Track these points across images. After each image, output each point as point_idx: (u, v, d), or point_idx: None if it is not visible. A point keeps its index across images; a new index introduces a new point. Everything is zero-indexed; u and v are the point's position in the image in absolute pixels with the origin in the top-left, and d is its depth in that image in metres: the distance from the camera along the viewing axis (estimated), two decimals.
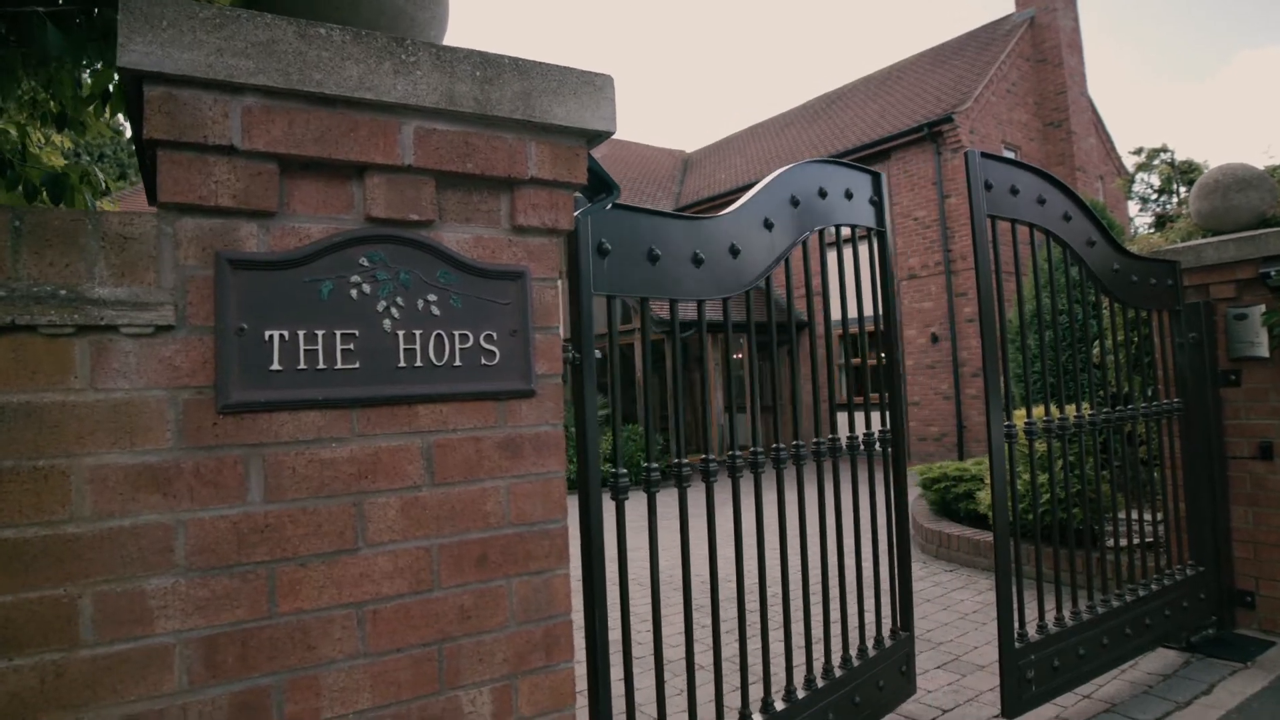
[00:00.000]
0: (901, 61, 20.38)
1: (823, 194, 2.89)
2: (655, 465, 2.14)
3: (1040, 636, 3.29)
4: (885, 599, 3.24)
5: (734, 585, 2.43)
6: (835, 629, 3.00)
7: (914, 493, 8.70)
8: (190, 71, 1.33)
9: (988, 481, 6.14)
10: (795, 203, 2.76)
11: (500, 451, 1.64)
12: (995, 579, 3.20)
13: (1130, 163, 12.76)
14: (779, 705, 2.54)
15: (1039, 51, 16.91)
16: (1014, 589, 3.21)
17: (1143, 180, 12.04)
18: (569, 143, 1.72)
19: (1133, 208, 14.39)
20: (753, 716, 2.43)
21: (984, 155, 3.31)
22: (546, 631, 1.67)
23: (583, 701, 2.14)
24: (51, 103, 3.54)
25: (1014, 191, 3.39)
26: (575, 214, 1.86)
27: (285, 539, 1.43)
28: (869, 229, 3.17)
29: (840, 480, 2.84)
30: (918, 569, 6.30)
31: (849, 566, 2.91)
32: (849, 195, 3.04)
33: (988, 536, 6.07)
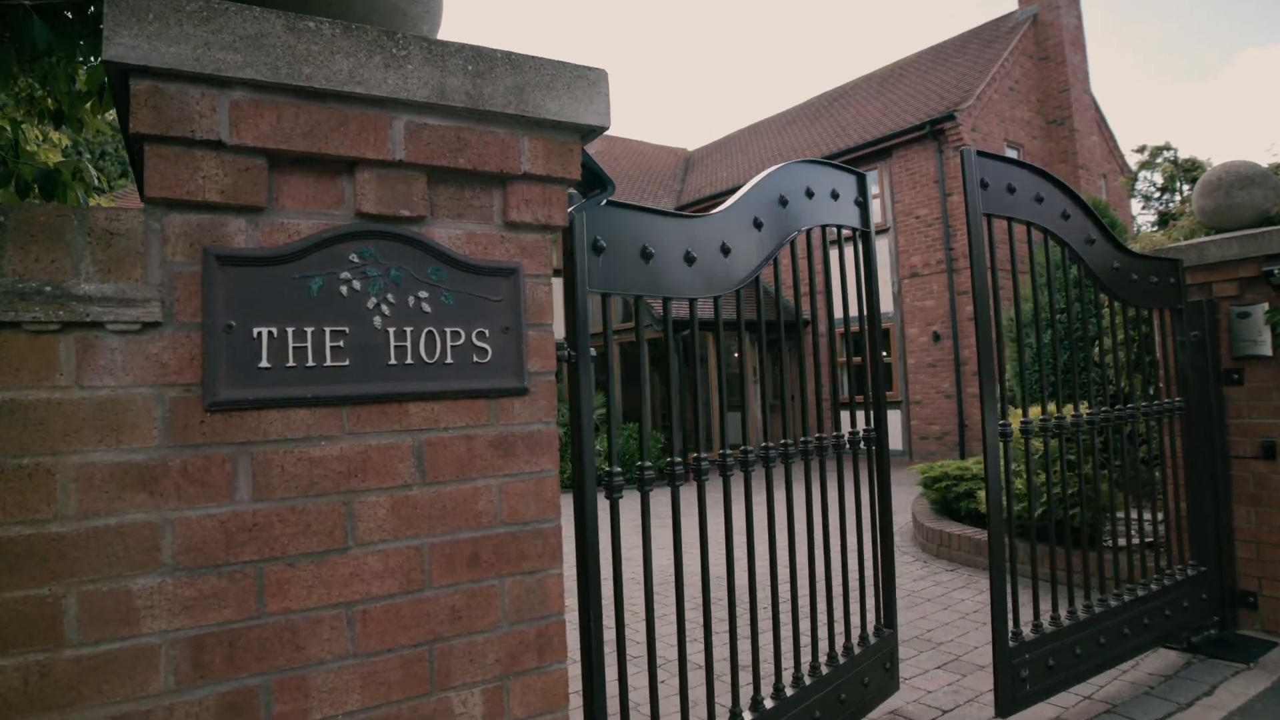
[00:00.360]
0: (903, 59, 20.32)
1: (810, 194, 2.91)
2: (649, 464, 2.12)
3: (1035, 636, 3.29)
4: (871, 597, 3.25)
5: (725, 584, 2.43)
6: (823, 628, 3.02)
7: (915, 492, 8.67)
8: (177, 65, 1.31)
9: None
10: (784, 202, 2.77)
11: (492, 450, 1.62)
12: (990, 577, 3.22)
13: (1133, 161, 12.72)
14: (768, 704, 2.56)
15: (1042, 49, 16.87)
16: (1008, 588, 3.21)
17: (1146, 178, 12.00)
18: (562, 138, 1.70)
19: (1136, 206, 14.37)
20: (743, 714, 2.45)
21: (980, 154, 3.30)
22: (539, 632, 1.65)
23: (577, 702, 2.13)
24: (49, 99, 3.53)
25: (1011, 190, 3.38)
26: (569, 210, 1.85)
27: (274, 538, 1.42)
28: (854, 229, 3.19)
29: (827, 479, 2.86)
30: (918, 568, 6.28)
31: (835, 566, 2.98)
32: (835, 195, 3.06)
33: (983, 535, 6.05)
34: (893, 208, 15.59)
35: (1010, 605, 3.22)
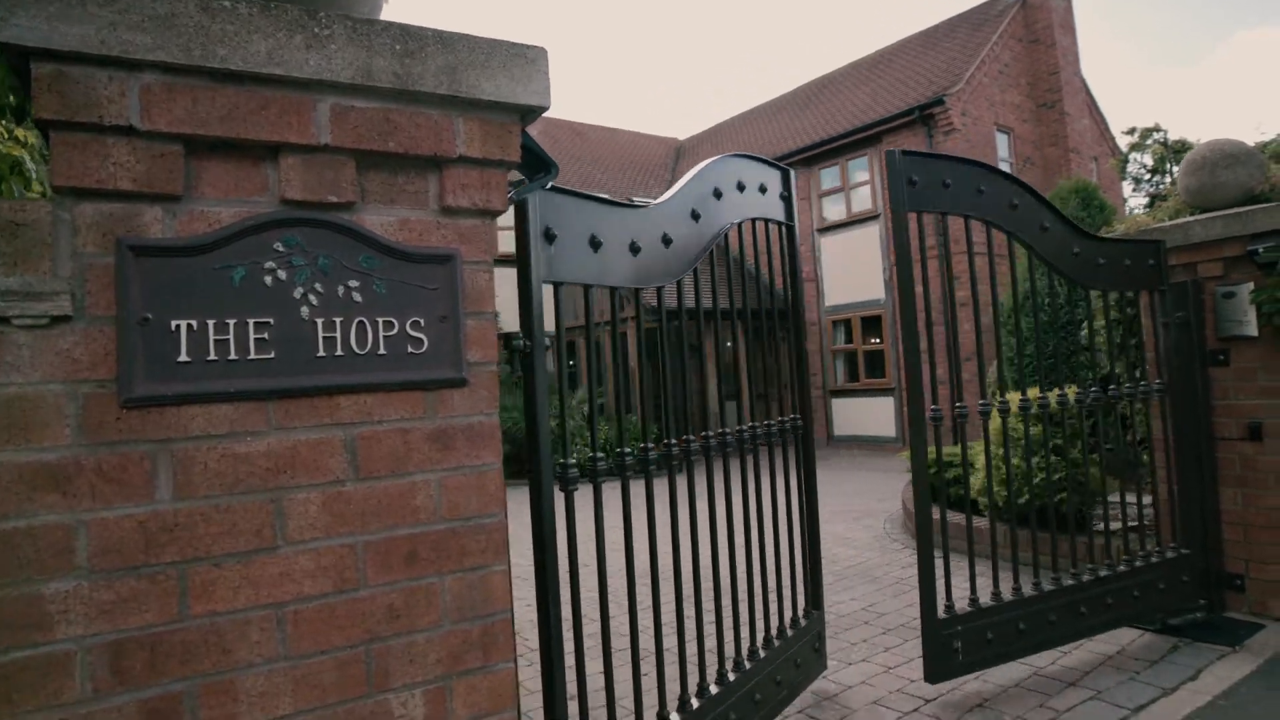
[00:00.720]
0: (893, 45, 20.20)
1: (741, 187, 3.00)
2: (601, 455, 2.08)
3: (971, 610, 3.40)
4: (801, 582, 3.45)
5: (680, 577, 2.51)
6: (760, 616, 3.17)
7: (906, 478, 8.63)
8: (81, 48, 1.26)
9: (976, 465, 6.08)
10: (718, 195, 2.83)
11: (430, 443, 1.57)
12: (918, 554, 3.36)
13: (1124, 143, 12.65)
14: (713, 689, 2.65)
15: (1031, 32, 16.74)
16: (936, 560, 3.35)
17: (1136, 160, 11.93)
18: (500, 119, 1.64)
19: (1127, 188, 14.31)
20: (691, 701, 2.51)
21: (905, 153, 3.44)
22: (484, 630, 1.61)
23: (537, 702, 2.09)
24: (11, 95, 3.45)
25: (945, 185, 3.47)
26: (514, 196, 1.80)
27: (197, 538, 1.36)
28: (780, 223, 3.33)
29: (760, 469, 3.00)
30: (907, 555, 6.24)
31: (770, 555, 3.21)
32: (763, 190, 3.17)
33: (977, 522, 6.02)
34: (883, 194, 15.51)
35: (944, 580, 3.40)
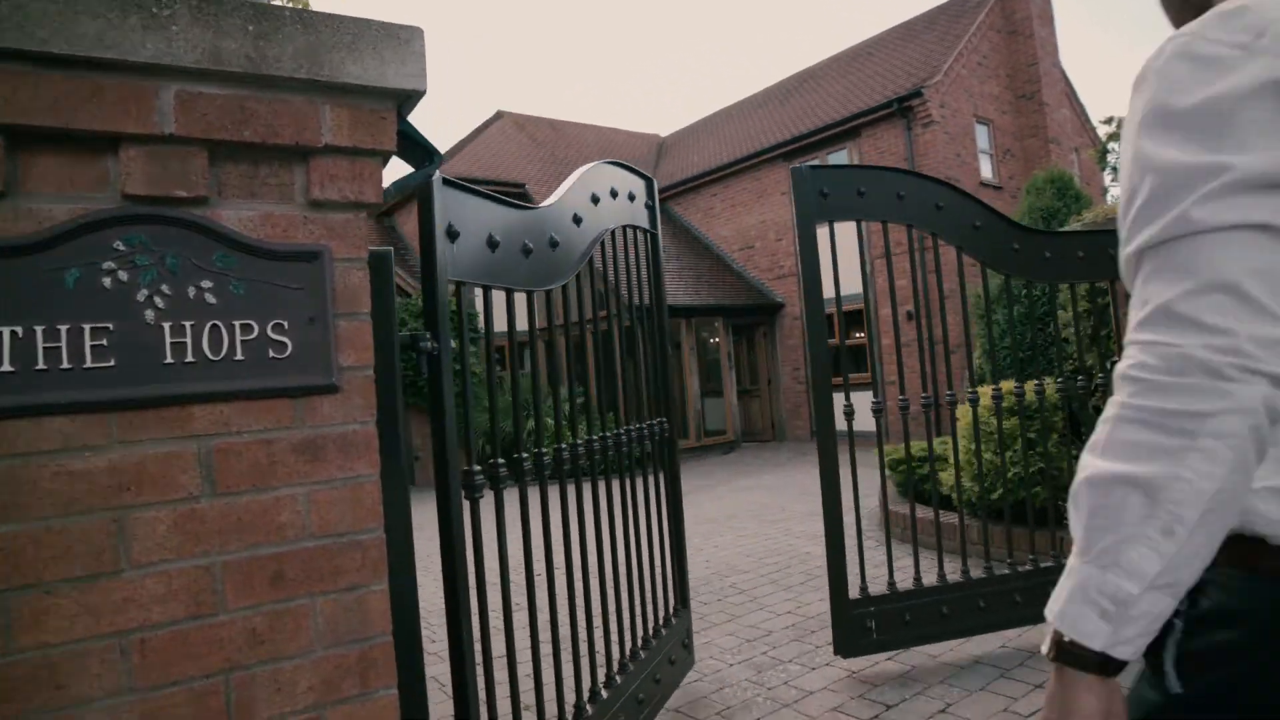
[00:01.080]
0: (873, 37, 20.12)
1: (614, 194, 3.04)
2: (501, 461, 1.98)
3: (887, 593, 3.63)
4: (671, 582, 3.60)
5: (574, 588, 2.74)
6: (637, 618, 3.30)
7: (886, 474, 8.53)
8: None
9: (953, 460, 6.01)
10: (595, 200, 2.85)
11: (297, 455, 1.46)
12: (825, 538, 3.56)
13: (1102, 133, 12.61)
14: (604, 694, 2.70)
15: (1010, 23, 16.68)
16: (845, 541, 3.58)
17: (1114, 150, 11.89)
18: (372, 105, 1.53)
19: (1107, 178, 14.29)
20: (586, 708, 2.56)
21: (814, 168, 3.53)
22: (362, 655, 1.49)
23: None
24: None
25: (860, 194, 3.57)
26: (395, 186, 1.69)
27: (25, 564, 1.25)
28: (645, 230, 3.44)
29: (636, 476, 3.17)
30: (880, 554, 6.15)
31: (645, 559, 3.46)
32: (632, 197, 3.24)
33: (952, 518, 5.94)
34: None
35: (859, 563, 3.66)
